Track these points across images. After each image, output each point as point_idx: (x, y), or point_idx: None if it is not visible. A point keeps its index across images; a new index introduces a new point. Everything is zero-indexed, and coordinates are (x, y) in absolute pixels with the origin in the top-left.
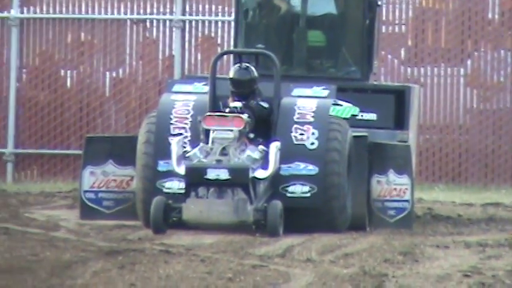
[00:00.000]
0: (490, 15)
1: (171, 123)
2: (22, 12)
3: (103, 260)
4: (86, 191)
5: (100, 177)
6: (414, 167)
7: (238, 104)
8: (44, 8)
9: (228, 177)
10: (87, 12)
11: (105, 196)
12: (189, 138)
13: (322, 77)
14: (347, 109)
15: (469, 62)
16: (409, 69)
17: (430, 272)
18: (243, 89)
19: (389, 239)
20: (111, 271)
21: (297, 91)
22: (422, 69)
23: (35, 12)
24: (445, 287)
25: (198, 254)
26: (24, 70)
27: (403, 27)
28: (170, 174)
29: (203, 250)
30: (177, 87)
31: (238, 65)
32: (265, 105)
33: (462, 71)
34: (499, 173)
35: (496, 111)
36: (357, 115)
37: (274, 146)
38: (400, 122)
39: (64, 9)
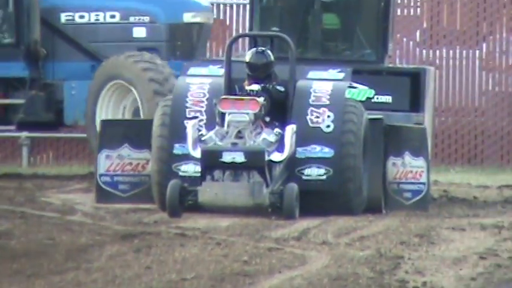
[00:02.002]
0: None
1: (187, 107)
2: None
3: (119, 244)
4: (101, 175)
5: (116, 161)
6: (430, 149)
7: (255, 87)
8: None
9: (244, 160)
10: None
11: (120, 179)
12: (204, 121)
13: (337, 59)
14: (362, 92)
15: (484, 45)
16: (424, 52)
17: (446, 255)
18: (259, 72)
19: (405, 221)
20: (127, 254)
21: (312, 74)
22: (437, 52)
23: None
24: (461, 269)
25: (214, 237)
26: None
27: (418, 9)
28: (186, 157)
29: (219, 233)
30: (192, 70)
31: (255, 48)
32: (281, 88)
33: (477, 53)
34: None
35: (511, 94)
36: (372, 98)
37: (290, 129)
38: (415, 104)
39: None
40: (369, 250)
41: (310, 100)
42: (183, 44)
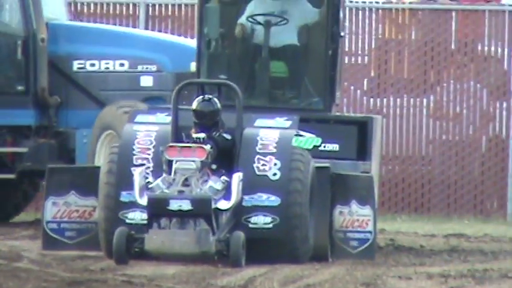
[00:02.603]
0: (453, 46)
1: (134, 154)
2: None
3: None
4: (48, 222)
5: (62, 208)
6: (377, 198)
7: (202, 135)
8: None
9: (190, 208)
10: None
11: (67, 226)
12: (151, 169)
13: (284, 107)
14: (309, 140)
15: (431, 94)
16: (371, 100)
17: None
18: (206, 120)
19: (352, 269)
20: None
21: (259, 122)
22: (385, 100)
23: None
24: None
25: (161, 285)
26: None
27: (366, 58)
28: (133, 205)
29: (165, 281)
30: (139, 118)
31: (202, 96)
32: (228, 136)
33: (425, 101)
34: (462, 203)
35: (458, 142)
36: (319, 146)
37: (237, 177)
38: (362, 153)
39: None
40: None
41: (257, 148)
42: (190, 93)
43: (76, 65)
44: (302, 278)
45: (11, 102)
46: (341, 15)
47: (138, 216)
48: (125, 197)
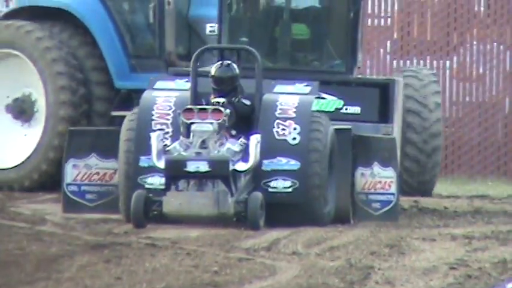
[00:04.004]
0: (476, 8)
1: (153, 120)
2: None
3: (89, 254)
4: (68, 184)
5: (83, 170)
6: (399, 160)
7: (221, 100)
8: None
9: (208, 170)
10: None
11: (88, 189)
12: (170, 134)
13: (306, 70)
14: (331, 102)
15: (454, 55)
16: (394, 62)
17: (416, 265)
18: (225, 86)
19: (376, 231)
20: (97, 265)
21: (279, 88)
22: (408, 62)
23: None
24: (431, 280)
25: (184, 248)
26: None
27: (389, 20)
28: (152, 169)
29: (189, 243)
30: (159, 84)
31: (220, 62)
32: (247, 102)
33: (448, 63)
34: (485, 165)
35: (481, 104)
36: (341, 108)
37: (255, 139)
38: (384, 115)
39: None
40: (339, 260)
41: (276, 113)
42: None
43: (208, 28)
44: (326, 240)
45: (145, 66)
46: None
47: (157, 181)
48: (143, 162)
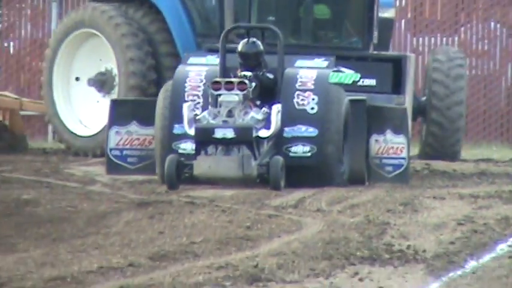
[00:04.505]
0: None
1: (185, 91)
2: None
3: (134, 211)
4: (112, 149)
5: (125, 136)
6: (410, 128)
7: (248, 73)
8: None
9: (234, 136)
10: None
11: (129, 153)
12: (201, 104)
13: (327, 46)
14: (349, 75)
15: (461, 33)
16: (408, 39)
17: (427, 221)
18: (251, 61)
19: (391, 191)
20: (141, 220)
21: (299, 62)
22: (420, 39)
23: None
24: (441, 234)
25: (220, 205)
26: None
27: (404, 1)
28: (184, 136)
29: (224, 201)
30: (191, 60)
31: (246, 39)
32: (271, 76)
33: (456, 40)
34: (490, 131)
35: (486, 76)
36: (358, 81)
37: (276, 108)
38: (397, 87)
39: None
40: (358, 217)
41: (296, 85)
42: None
43: None
44: (347, 199)
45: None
46: None
47: (189, 147)
48: (177, 129)
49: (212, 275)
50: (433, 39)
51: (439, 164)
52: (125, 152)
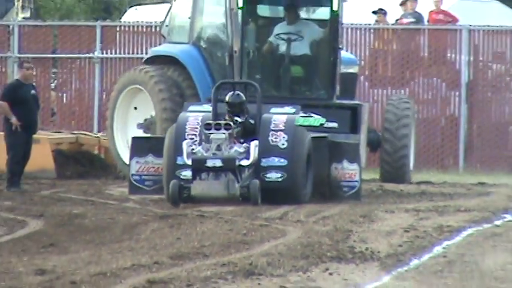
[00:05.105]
0: (421, 54)
1: (186, 132)
2: (102, 53)
3: (158, 222)
4: (133, 175)
5: (143, 165)
6: (364, 158)
7: (236, 119)
8: (117, 51)
9: (221, 165)
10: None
11: (146, 178)
12: (198, 141)
13: (300, 97)
14: (317, 119)
15: (407, 87)
16: (365, 92)
17: (381, 229)
18: (236, 108)
19: (353, 206)
20: (164, 229)
21: (273, 109)
22: (375, 91)
23: (110, 53)
24: (391, 239)
25: (223, 217)
26: (104, 92)
27: (362, 62)
28: (185, 166)
29: (226, 214)
30: (191, 108)
31: (232, 92)
32: (252, 121)
33: (403, 92)
34: (428, 160)
35: (426, 119)
36: (324, 124)
37: (254, 144)
38: (354, 128)
39: (128, 50)
40: (328, 226)
41: (271, 126)
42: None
43: None
44: (320, 212)
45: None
46: (339, 33)
47: (188, 174)
48: (179, 160)
49: (217, 271)
50: (385, 91)
51: (390, 185)
52: (143, 177)
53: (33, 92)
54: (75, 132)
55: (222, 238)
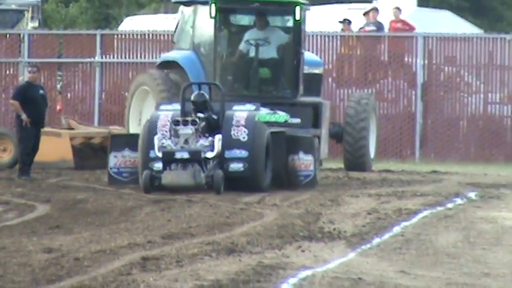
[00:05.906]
0: (382, 58)
1: (157, 127)
2: (102, 58)
3: (151, 206)
4: (111, 168)
5: (120, 159)
6: (326, 150)
7: (200, 115)
8: (115, 56)
9: (189, 157)
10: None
11: (123, 170)
12: (168, 136)
13: (267, 96)
14: (282, 116)
15: (370, 87)
16: (332, 91)
17: (347, 211)
18: (200, 106)
19: (322, 191)
20: (156, 212)
21: (235, 107)
22: (342, 90)
23: (109, 58)
24: (356, 220)
25: (208, 202)
26: (103, 92)
27: (330, 65)
28: (157, 158)
29: (211, 199)
30: (162, 107)
31: (197, 92)
32: (215, 117)
33: (365, 91)
34: (389, 151)
35: (387, 114)
36: (288, 120)
37: (217, 137)
38: (315, 124)
39: (125, 56)
40: (301, 209)
41: (233, 122)
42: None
43: None
44: (293, 197)
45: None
46: (302, 38)
47: (160, 165)
48: (152, 154)
49: (203, 249)
50: (350, 90)
51: (355, 173)
52: (120, 170)
53: (41, 92)
54: (109, 127)
55: (207, 220)
